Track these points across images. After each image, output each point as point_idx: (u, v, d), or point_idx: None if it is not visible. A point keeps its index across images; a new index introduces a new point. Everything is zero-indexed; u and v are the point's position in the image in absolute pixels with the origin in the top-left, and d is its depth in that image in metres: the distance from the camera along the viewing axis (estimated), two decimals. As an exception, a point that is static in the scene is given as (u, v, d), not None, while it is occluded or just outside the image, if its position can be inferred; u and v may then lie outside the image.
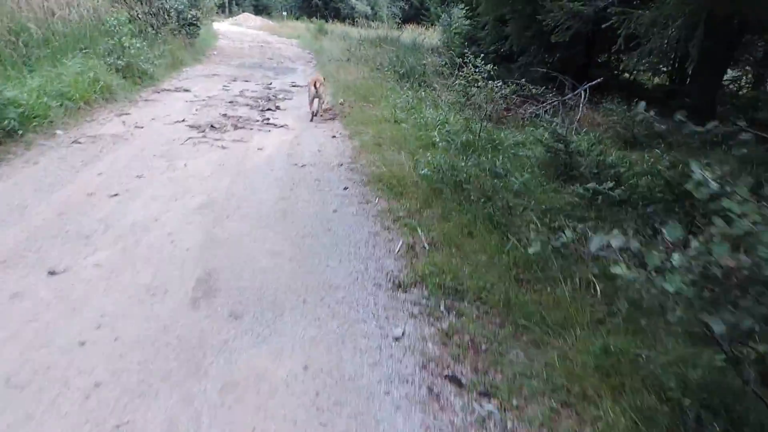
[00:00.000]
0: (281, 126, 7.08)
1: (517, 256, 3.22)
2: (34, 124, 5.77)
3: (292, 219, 3.99)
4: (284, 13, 42.88)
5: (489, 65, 8.91)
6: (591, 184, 4.58)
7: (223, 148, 5.84)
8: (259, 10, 48.59)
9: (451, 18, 18.32)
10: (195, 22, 15.41)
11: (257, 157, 5.59)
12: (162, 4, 13.31)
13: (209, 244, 3.50)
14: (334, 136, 6.60)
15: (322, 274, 3.19)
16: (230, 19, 41.75)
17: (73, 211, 3.93)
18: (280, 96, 9.46)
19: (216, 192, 4.49)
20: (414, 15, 43.48)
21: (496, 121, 7.89)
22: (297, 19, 40.36)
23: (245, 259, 3.34)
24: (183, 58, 12.63)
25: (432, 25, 35.71)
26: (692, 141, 8.09)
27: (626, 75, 13.75)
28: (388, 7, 45.03)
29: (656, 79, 15.78)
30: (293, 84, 11.03)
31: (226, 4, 48.50)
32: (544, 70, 10.96)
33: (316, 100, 7.66)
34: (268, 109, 8.13)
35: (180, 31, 14.01)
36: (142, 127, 6.54)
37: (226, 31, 27.34)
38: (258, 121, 7.32)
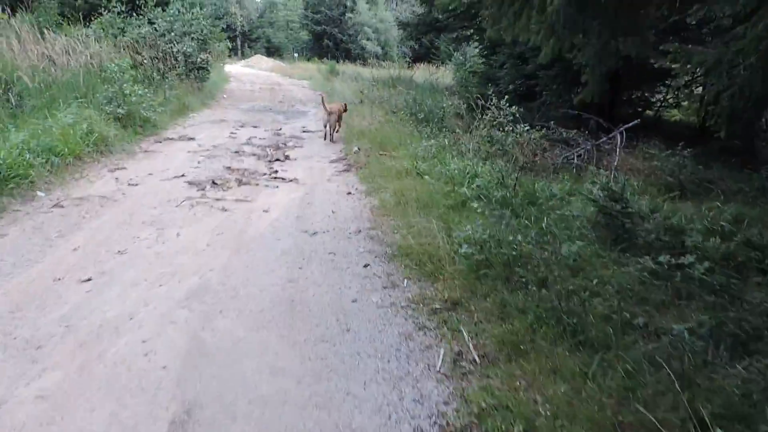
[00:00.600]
0: (290, 180, 6.33)
1: (608, 382, 2.35)
2: (11, 185, 5.05)
3: (301, 314, 3.15)
4: (295, 55, 43.07)
5: (513, 107, 8.22)
6: (664, 257, 3.73)
7: (224, 210, 5.07)
8: (271, 52, 48.99)
9: (465, 57, 17.81)
10: (204, 66, 14.98)
11: (262, 221, 4.80)
12: (170, 48, 12.86)
13: (194, 359, 2.67)
14: (349, 193, 5.82)
15: (339, 408, 2.33)
16: (242, 61, 41.99)
17: (30, 306, 3.14)
18: (290, 143, 8.76)
19: (210, 273, 3.68)
20: (424, 54, 43.32)
21: (527, 169, 7.12)
22: (308, 60, 40.44)
23: (239, 382, 2.49)
24: (190, 103, 12.07)
25: (442, 63, 35.58)
26: (747, 188, 7.32)
27: (648, 112, 13.03)
28: (398, 46, 45.07)
29: (677, 114, 15.02)
30: (304, 129, 10.37)
31: (239, 47, 49.03)
32: (566, 110, 10.29)
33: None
34: (277, 160, 7.41)
35: (188, 75, 13.54)
36: (136, 185, 5.81)
37: (238, 73, 27.17)
38: (265, 174, 6.58)
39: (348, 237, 4.46)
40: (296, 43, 49.01)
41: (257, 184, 6.08)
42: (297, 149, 8.34)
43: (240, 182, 6.11)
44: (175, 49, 12.88)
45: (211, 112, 12.16)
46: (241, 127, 10.33)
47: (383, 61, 40.95)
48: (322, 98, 9.87)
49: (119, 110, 8.14)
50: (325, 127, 9.26)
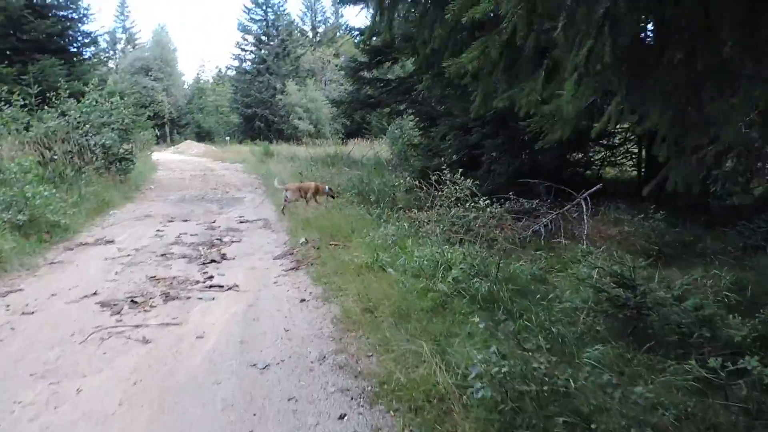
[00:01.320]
0: (229, 288, 5.25)
1: None
2: None
3: None
4: (227, 138, 42.33)
5: (469, 180, 7.62)
6: (715, 360, 2.94)
7: (145, 342, 3.93)
8: (201, 136, 48.07)
9: (401, 130, 17.55)
10: (128, 157, 13.83)
11: (195, 355, 3.69)
12: (86, 141, 11.70)
13: None
14: (303, 300, 4.79)
15: None
16: (172, 147, 40.78)
17: None
18: (227, 238, 7.70)
19: (120, 457, 2.55)
20: (356, 130, 43.75)
21: (495, 248, 6.39)
22: (240, 143, 39.77)
23: None
24: (111, 199, 10.83)
25: (375, 138, 35.70)
26: (730, 248, 6.85)
27: (588, 172, 12.92)
28: (330, 123, 45.28)
29: (610, 172, 15.04)
30: (241, 219, 9.34)
31: (168, 134, 47.90)
32: (513, 177, 9.90)
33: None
34: (212, 261, 6.32)
35: (108, 168, 12.33)
36: (31, 313, 4.57)
37: (167, 160, 25.98)
38: (198, 282, 5.47)
39: (310, 368, 3.42)
40: (227, 126, 48.37)
41: (189, 298, 4.96)
42: (235, 245, 7.28)
43: (167, 297, 4.97)
44: (92, 142, 11.72)
45: (135, 207, 10.92)
46: (170, 222, 9.18)
47: (316, 138, 40.86)
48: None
49: (19, 217, 6.88)
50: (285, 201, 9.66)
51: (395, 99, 17.72)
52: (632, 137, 12.57)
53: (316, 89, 45.32)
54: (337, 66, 44.73)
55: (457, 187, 7.51)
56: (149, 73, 47.64)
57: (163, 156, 30.74)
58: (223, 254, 6.67)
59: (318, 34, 56.53)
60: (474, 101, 9.69)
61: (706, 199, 8.29)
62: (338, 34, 56.61)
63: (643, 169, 12.74)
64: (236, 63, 47.35)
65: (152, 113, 46.04)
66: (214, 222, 9.08)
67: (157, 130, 47.20)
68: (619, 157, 13.88)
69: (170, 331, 4.15)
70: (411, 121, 17.70)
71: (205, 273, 5.80)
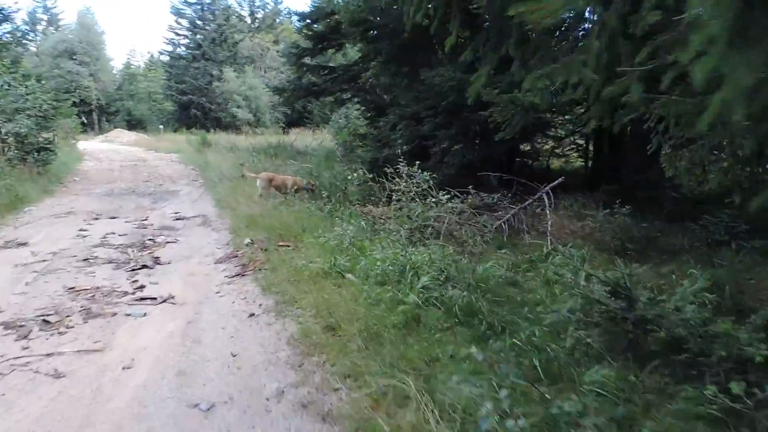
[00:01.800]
0: (164, 300, 4.50)
1: None
2: None
3: None
4: (161, 126, 40.16)
5: (426, 173, 7.14)
6: (738, 384, 2.56)
7: (57, 376, 3.17)
8: (133, 125, 45.49)
9: (347, 120, 16.88)
10: (47, 147, 12.51)
11: (120, 394, 2.98)
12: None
13: None
14: (252, 314, 4.12)
15: None
16: (101, 136, 38.29)
17: None
18: (161, 238, 6.86)
19: None
20: (297, 119, 42.59)
21: (459, 245, 5.93)
22: (175, 131, 37.80)
23: None
24: (26, 194, 9.64)
25: (317, 127, 34.74)
26: (697, 244, 6.68)
27: (535, 163, 12.78)
28: (270, 112, 43.85)
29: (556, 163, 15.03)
30: (177, 215, 8.46)
31: (96, 122, 45.07)
32: (463, 168, 9.55)
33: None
34: (143, 267, 5.51)
35: (24, 159, 11.05)
36: None
37: (95, 150, 24.19)
38: (126, 293, 4.69)
39: (266, 408, 2.78)
40: (161, 114, 45.92)
41: (115, 314, 4.19)
42: (170, 246, 6.47)
43: (88, 314, 4.18)
44: (3, 130, 10.43)
45: (55, 202, 9.78)
46: (95, 219, 8.20)
47: (256, 128, 39.48)
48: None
49: None
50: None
51: (340, 87, 17.05)
52: (578, 129, 12.52)
53: (256, 77, 43.71)
54: (278, 52, 43.30)
55: (414, 181, 6.99)
56: (74, 57, 44.42)
57: (91, 145, 28.63)
58: (157, 258, 5.87)
59: (257, 20, 54.64)
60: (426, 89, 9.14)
61: (662, 191, 8.19)
62: (278, 20, 54.98)
63: (590, 161, 12.72)
64: (170, 48, 44.88)
65: (78, 99, 43.11)
66: (146, 219, 8.17)
67: (83, 118, 44.32)
68: (566, 149, 13.86)
69: (90, 360, 3.40)
70: (357, 110, 17.08)
71: (134, 282, 5.01)
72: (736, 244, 5.92)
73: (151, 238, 6.87)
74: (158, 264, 5.66)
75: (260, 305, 4.29)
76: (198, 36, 42.94)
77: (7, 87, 11.08)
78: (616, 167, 10.88)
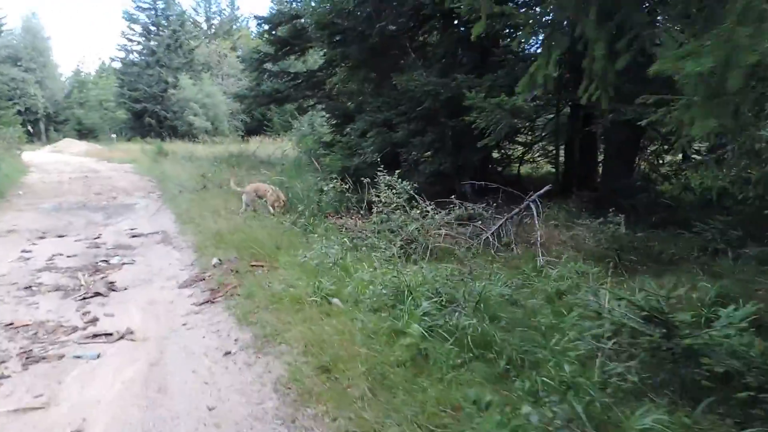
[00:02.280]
0: (121, 336, 3.84)
1: None
2: None
3: None
4: (113, 136, 38.45)
5: (405, 182, 6.69)
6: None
7: (-16, 448, 2.54)
8: (83, 134, 43.59)
9: (312, 127, 16.29)
10: (-15, 158, 11.45)
11: (67, 470, 2.37)
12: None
13: None
14: (228, 353, 3.51)
15: None
16: (49, 146, 36.37)
17: None
18: (116, 259, 6.13)
19: None
20: (256, 127, 41.67)
21: (439, 258, 5.48)
22: (129, 140, 36.24)
23: None
24: (-39, 211, 8.70)
25: (278, 135, 33.89)
26: (693, 252, 6.40)
27: (503, 171, 12.53)
28: (229, 120, 42.71)
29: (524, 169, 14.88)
30: (134, 232, 7.69)
31: (42, 131, 42.93)
32: (433, 177, 9.19)
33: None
34: (96, 294, 4.81)
35: (-41, 172, 10.02)
36: None
37: (42, 161, 22.81)
38: (76, 330, 4.00)
39: (256, 485, 2.23)
40: (113, 123, 44.03)
41: (61, 357, 3.52)
42: (127, 268, 5.76)
43: (28, 357, 3.50)
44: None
45: (-5, 220, 8.85)
46: (40, 239, 7.36)
47: (214, 136, 38.28)
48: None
49: None
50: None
51: (303, 94, 16.49)
52: (546, 134, 12.35)
53: (213, 84, 42.52)
54: (238, 57, 42.15)
55: (394, 191, 6.50)
56: (18, 63, 42.21)
57: (38, 156, 27.06)
58: (111, 283, 5.16)
59: (213, 26, 53.30)
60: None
61: (650, 197, 7.94)
62: (235, 26, 53.84)
63: (562, 167, 12.50)
64: (122, 54, 43.11)
65: (23, 108, 40.99)
66: (98, 237, 7.38)
67: (29, 127, 42.11)
68: (535, 155, 13.70)
69: (29, 422, 2.75)
70: (321, 117, 16.53)
71: (86, 314, 4.32)
72: (732, 252, 5.66)
73: (105, 259, 6.14)
74: (113, 290, 4.97)
75: (236, 340, 3.69)
76: (152, 42, 41.46)
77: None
78: (588, 173, 10.69)
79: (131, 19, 41.81)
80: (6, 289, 4.99)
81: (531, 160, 13.71)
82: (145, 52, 41.56)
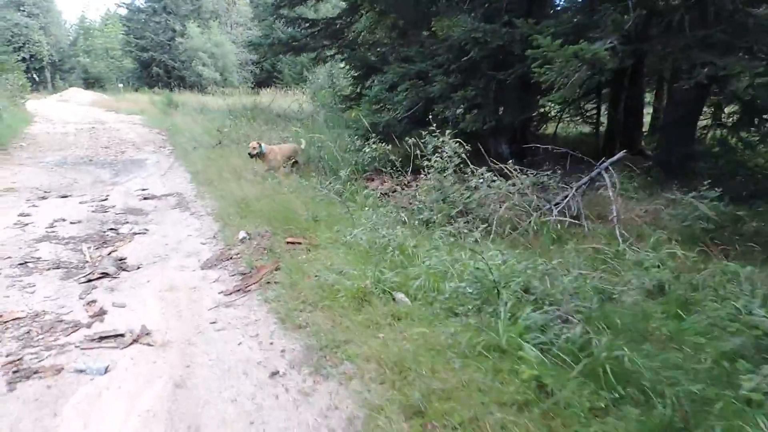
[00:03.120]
0: (134, 340, 2.99)
1: None
2: None
3: None
4: (120, 85, 37.14)
5: (456, 143, 5.72)
6: None
7: None
8: (90, 83, 42.21)
9: (332, 80, 15.13)
10: (-15, 106, 10.50)
11: None
12: None
13: None
14: (275, 373, 2.64)
15: None
16: (55, 95, 35.16)
17: None
18: (126, 227, 5.27)
19: None
20: (266, 79, 40.17)
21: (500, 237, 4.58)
22: (137, 90, 34.97)
23: None
24: (-45, 165, 7.82)
25: (288, 87, 32.48)
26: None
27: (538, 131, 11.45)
28: (238, 71, 41.16)
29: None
30: (146, 193, 6.81)
31: (48, 79, 41.60)
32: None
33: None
34: (103, 276, 3.96)
35: (-45, 121, 9.09)
36: None
37: (48, 111, 21.78)
38: (77, 327, 3.15)
39: None
40: (120, 72, 42.59)
41: (59, 370, 2.68)
42: (139, 240, 4.90)
43: (16, 371, 2.67)
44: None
45: (-7, 175, 7.98)
46: (42, 199, 6.50)
47: (224, 87, 36.90)
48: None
49: None
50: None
51: (321, 43, 15.21)
52: (590, 93, 11.21)
53: (222, 33, 40.74)
54: (252, 2, 40.06)
55: (443, 153, 5.53)
56: (21, 8, 40.45)
57: (43, 105, 25.99)
58: (121, 260, 4.31)
59: (221, -28, 50.78)
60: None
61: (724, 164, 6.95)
62: (244, -28, 51.37)
63: (602, 127, 11.39)
64: (127, 0, 41.25)
65: (28, 55, 39.57)
66: (105, 199, 6.51)
67: (35, 75, 40.74)
68: (571, 113, 12.55)
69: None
70: (341, 69, 15.33)
71: (91, 304, 3.47)
72: None
73: (113, 227, 5.27)
74: (124, 270, 4.11)
75: (283, 352, 2.83)
76: (158, -13, 39.52)
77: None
78: (632, 135, 9.68)
79: (137, -38, 39.81)
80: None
81: (569, 119, 12.59)
82: (151, -3, 39.71)
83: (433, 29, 8.70)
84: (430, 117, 9.83)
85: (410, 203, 5.28)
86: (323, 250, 4.13)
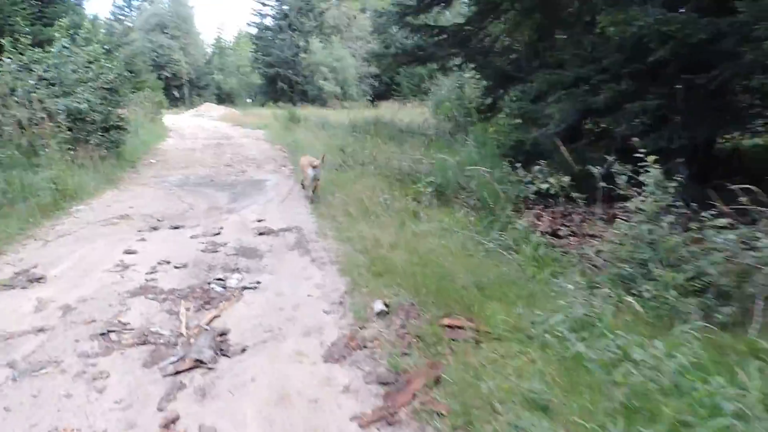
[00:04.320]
0: None
1: None
2: None
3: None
4: (248, 100, 38.65)
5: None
6: None
7: None
8: (222, 98, 44.49)
9: (461, 90, 13.74)
10: (119, 125, 10.40)
11: None
12: (53, 104, 8.23)
13: None
14: None
15: None
16: (192, 110, 37.26)
17: None
18: (234, 278, 4.22)
19: None
20: (384, 91, 39.77)
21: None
22: (262, 105, 36.07)
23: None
24: (82, 186, 7.44)
25: (405, 100, 31.55)
26: None
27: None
28: (357, 85, 41.23)
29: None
30: (261, 226, 5.83)
31: (186, 95, 44.45)
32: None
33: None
34: (195, 365, 2.87)
35: (87, 141, 8.91)
36: None
37: (181, 125, 22.61)
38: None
39: None
40: (248, 87, 44.60)
41: None
42: (248, 297, 3.81)
43: None
44: (59, 106, 8.25)
45: (114, 198, 7.52)
46: (153, 229, 5.77)
47: (343, 101, 37.00)
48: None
49: None
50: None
51: (448, 51, 13.87)
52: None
53: (342, 47, 41.07)
54: (375, 11, 39.91)
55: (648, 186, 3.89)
56: (165, 31, 43.69)
57: (180, 120, 27.32)
58: (223, 336, 3.20)
59: (343, -12, 51.65)
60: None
61: None
62: (365, -13, 51.83)
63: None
64: (257, 19, 43.06)
65: (170, 74, 42.55)
66: (218, 233, 5.61)
67: (175, 92, 43.76)
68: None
69: None
70: (471, 78, 13.89)
71: (169, 426, 2.36)
72: None
73: (221, 276, 4.25)
74: (224, 354, 2.99)
75: None
76: (284, 6, 40.70)
77: (67, 54, 8.89)
78: None
79: (266, -17, 41.43)
80: (75, 334, 3.22)
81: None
82: (278, 16, 41.00)
83: (600, 25, 7.02)
84: (581, 133, 8.10)
85: (604, 260, 3.70)
86: (501, 344, 2.71)
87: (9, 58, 8.33)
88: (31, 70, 8.49)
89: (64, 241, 5.35)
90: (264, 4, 42.10)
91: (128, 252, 4.94)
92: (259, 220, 6.12)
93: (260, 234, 5.55)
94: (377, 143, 9.52)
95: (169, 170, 10.33)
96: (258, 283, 4.11)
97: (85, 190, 7.44)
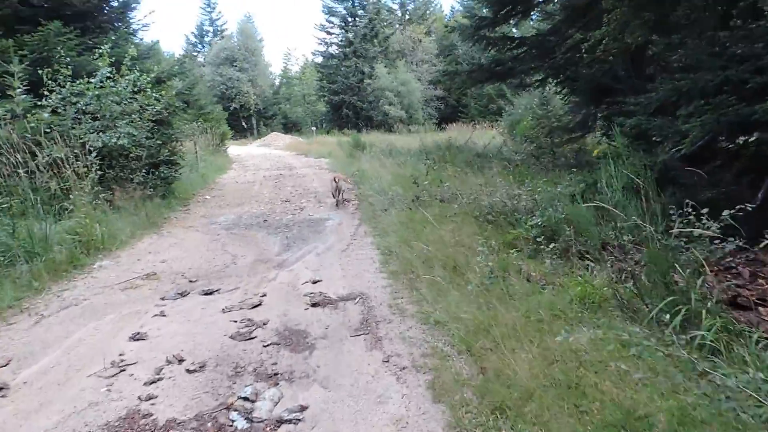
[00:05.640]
0: None
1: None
2: None
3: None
4: (313, 129, 38.21)
5: None
6: None
7: None
8: (288, 128, 44.52)
9: (547, 106, 11.95)
10: (170, 159, 9.44)
11: None
12: (86, 141, 7.26)
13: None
14: None
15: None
16: (259, 140, 37.26)
17: None
18: (266, 396, 2.72)
19: None
20: (451, 114, 38.28)
21: None
22: (328, 132, 35.45)
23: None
24: (112, 234, 6.33)
25: (473, 122, 29.81)
26: None
27: None
28: (423, 108, 39.98)
29: None
30: (315, 292, 4.37)
31: (254, 126, 44.83)
32: None
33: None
34: None
35: (130, 179, 7.90)
36: None
37: (246, 155, 22.07)
38: None
39: None
40: (314, 116, 44.40)
41: None
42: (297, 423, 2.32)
43: None
44: (94, 144, 7.25)
45: (148, 247, 6.34)
46: (180, 296, 4.44)
47: (409, 125, 35.77)
48: None
49: None
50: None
51: (529, 65, 12.16)
52: None
53: (407, 71, 40.04)
54: (447, 26, 38.54)
55: None
56: (234, 64, 44.43)
57: (246, 150, 26.97)
58: None
59: (407, 12, 50.96)
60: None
61: None
62: (429, 10, 50.94)
63: None
64: (322, 48, 42.92)
65: (238, 105, 43.07)
66: (259, 304, 4.17)
67: (243, 122, 44.24)
68: None
69: None
70: (557, 94, 12.10)
71: None
72: None
73: (248, 396, 2.78)
74: None
75: None
76: (349, 33, 40.31)
77: (111, 84, 7.97)
78: None
79: (330, 11, 41.27)
80: None
81: None
82: (342, 43, 40.64)
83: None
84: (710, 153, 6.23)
85: None
86: None
87: (48, 91, 7.47)
88: (73, 104, 7.59)
89: (65, 315, 4.11)
90: (329, 32, 41.96)
91: (135, 338, 3.60)
92: (314, 282, 4.66)
93: (313, 305, 4.07)
94: (456, 171, 7.93)
95: (222, 208, 9.20)
96: (302, 410, 2.59)
97: (117, 239, 6.32)
